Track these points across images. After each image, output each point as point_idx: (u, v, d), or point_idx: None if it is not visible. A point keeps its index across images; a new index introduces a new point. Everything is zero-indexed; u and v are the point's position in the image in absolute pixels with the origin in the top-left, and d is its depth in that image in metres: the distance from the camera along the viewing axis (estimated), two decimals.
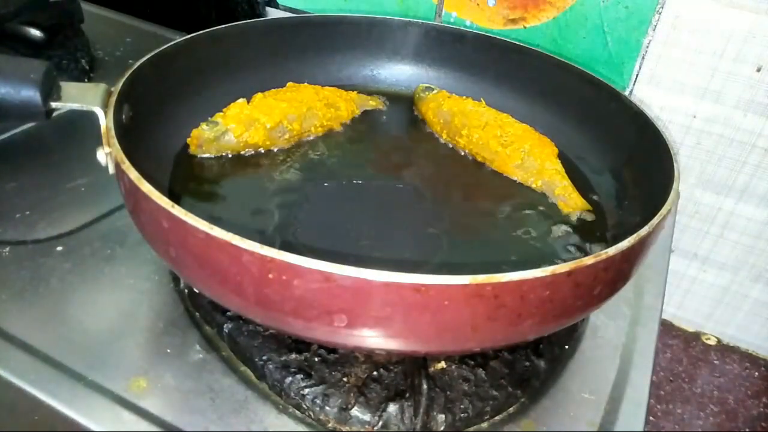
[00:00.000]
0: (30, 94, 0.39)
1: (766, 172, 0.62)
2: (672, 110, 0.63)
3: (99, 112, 0.40)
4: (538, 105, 0.61)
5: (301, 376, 0.38)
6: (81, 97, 0.41)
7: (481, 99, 0.61)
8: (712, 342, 0.74)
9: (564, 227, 0.49)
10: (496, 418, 0.39)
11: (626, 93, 0.63)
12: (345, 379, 0.38)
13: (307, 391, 0.38)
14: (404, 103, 0.65)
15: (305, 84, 0.60)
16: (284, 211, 0.48)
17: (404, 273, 0.29)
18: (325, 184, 0.52)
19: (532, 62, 0.61)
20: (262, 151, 0.54)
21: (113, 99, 0.41)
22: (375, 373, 0.39)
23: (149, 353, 0.41)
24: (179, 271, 0.39)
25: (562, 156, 0.56)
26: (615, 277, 0.36)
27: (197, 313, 0.44)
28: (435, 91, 0.63)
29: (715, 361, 0.73)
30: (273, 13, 0.80)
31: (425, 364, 0.39)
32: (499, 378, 0.40)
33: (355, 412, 0.37)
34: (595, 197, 0.53)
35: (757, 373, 0.72)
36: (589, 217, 0.51)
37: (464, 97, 0.62)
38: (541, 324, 0.34)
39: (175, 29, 0.82)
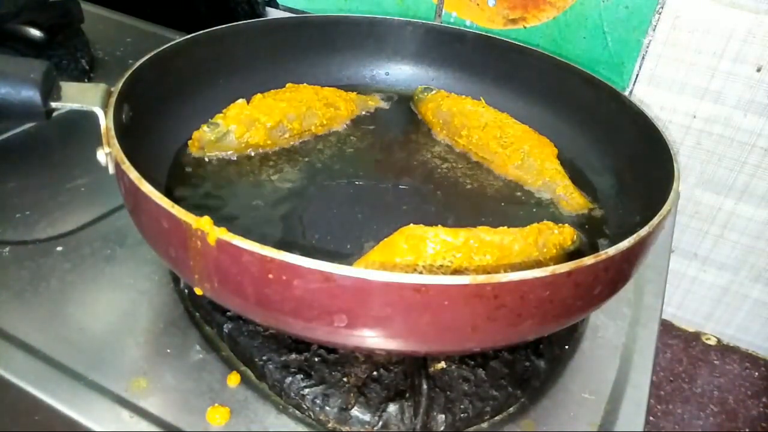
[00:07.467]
0: (30, 94, 0.39)
1: (766, 172, 0.62)
2: (672, 110, 0.63)
3: (99, 112, 0.40)
4: (538, 105, 0.61)
5: (301, 376, 0.38)
6: (81, 97, 0.41)
7: (481, 98, 0.61)
8: (712, 342, 0.74)
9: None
10: (496, 418, 0.39)
11: (626, 93, 0.63)
12: (345, 379, 0.38)
13: (307, 391, 0.38)
14: (404, 103, 0.65)
15: (304, 84, 0.60)
16: (284, 212, 0.48)
17: (404, 273, 0.29)
18: (326, 184, 0.52)
19: (532, 62, 0.61)
20: (263, 152, 0.54)
21: (113, 99, 0.41)
22: (375, 373, 0.39)
23: (149, 353, 0.41)
24: (179, 272, 0.39)
25: (562, 156, 0.56)
26: (615, 277, 0.36)
27: (197, 313, 0.44)
28: (434, 92, 0.63)
29: (715, 361, 0.73)
30: (273, 13, 0.80)
31: (425, 364, 0.39)
32: (499, 378, 0.40)
33: (355, 412, 0.37)
34: (595, 197, 0.53)
35: (757, 373, 0.72)
36: (590, 216, 0.51)
37: (463, 96, 0.62)
38: (541, 324, 0.34)
39: (175, 29, 0.82)
